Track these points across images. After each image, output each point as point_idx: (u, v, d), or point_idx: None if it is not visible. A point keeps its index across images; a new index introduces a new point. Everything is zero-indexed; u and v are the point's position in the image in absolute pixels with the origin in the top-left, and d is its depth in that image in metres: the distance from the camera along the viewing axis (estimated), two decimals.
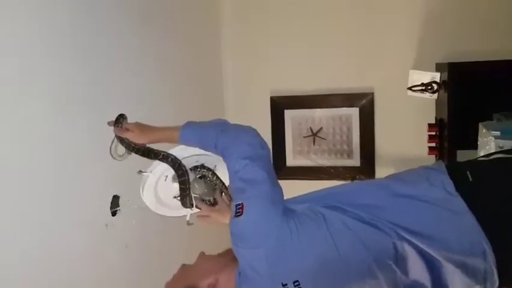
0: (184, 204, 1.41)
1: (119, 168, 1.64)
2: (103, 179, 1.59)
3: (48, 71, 1.38)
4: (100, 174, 1.58)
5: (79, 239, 1.48)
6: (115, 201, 1.62)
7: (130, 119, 1.42)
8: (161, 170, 1.41)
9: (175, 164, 1.40)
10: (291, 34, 2.64)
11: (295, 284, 1.13)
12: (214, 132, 1.29)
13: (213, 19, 2.66)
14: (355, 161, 2.66)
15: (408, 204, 1.23)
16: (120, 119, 1.42)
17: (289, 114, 2.73)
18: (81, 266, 1.48)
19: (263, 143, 1.26)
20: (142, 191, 1.40)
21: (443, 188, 1.23)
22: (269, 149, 1.27)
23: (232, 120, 2.51)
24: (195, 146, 1.35)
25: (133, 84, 1.77)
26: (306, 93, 2.66)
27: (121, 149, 1.41)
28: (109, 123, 1.41)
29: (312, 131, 2.71)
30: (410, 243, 1.17)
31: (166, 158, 1.39)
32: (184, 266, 1.28)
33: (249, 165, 1.19)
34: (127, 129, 1.39)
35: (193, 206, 1.41)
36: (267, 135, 2.50)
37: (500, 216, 1.20)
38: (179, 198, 1.42)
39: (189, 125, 1.36)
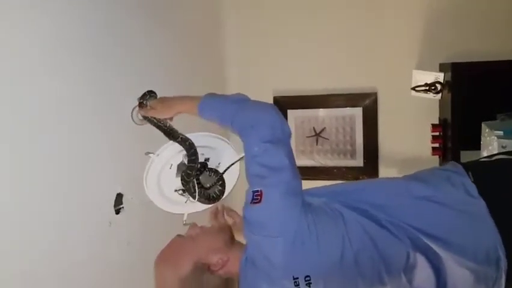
0: (189, 191, 1.41)
1: (123, 167, 1.65)
2: (107, 177, 1.60)
3: (54, 69, 1.38)
4: (104, 172, 1.58)
5: (82, 236, 1.49)
6: (119, 199, 1.62)
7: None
8: (168, 157, 1.42)
9: (191, 148, 1.40)
10: (294, 34, 2.64)
11: (306, 279, 1.11)
12: (233, 109, 1.23)
13: (215, 19, 2.67)
14: (358, 162, 2.66)
15: (428, 206, 1.20)
16: (146, 96, 1.44)
17: (292, 114, 2.73)
18: (84, 263, 1.48)
19: (285, 124, 1.19)
20: (146, 175, 1.40)
21: (465, 190, 1.22)
22: (290, 130, 1.20)
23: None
24: (212, 120, 1.29)
25: (136, 84, 1.77)
26: (309, 93, 2.66)
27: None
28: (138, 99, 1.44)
29: (315, 131, 2.71)
30: (424, 250, 1.15)
31: (184, 141, 1.40)
32: (181, 237, 1.23)
33: (269, 150, 1.13)
34: (151, 107, 1.40)
35: (195, 195, 1.41)
36: None
37: (506, 218, 1.20)
38: (180, 192, 1.43)
39: (209, 97, 1.31)
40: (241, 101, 1.27)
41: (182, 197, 1.46)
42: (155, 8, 1.98)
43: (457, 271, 1.16)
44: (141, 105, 1.45)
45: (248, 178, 1.17)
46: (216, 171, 1.47)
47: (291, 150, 1.18)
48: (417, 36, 2.47)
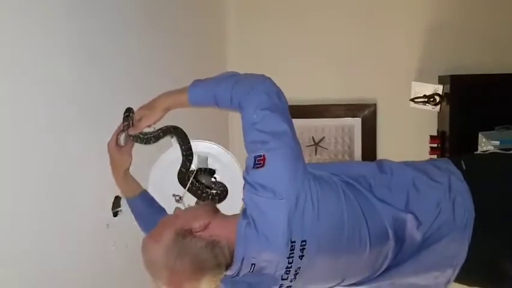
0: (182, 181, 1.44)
1: None
2: (105, 179, 1.59)
3: (49, 70, 1.38)
4: (102, 174, 1.58)
5: (79, 237, 1.49)
6: (117, 202, 1.62)
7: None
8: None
9: (186, 143, 1.41)
10: (295, 44, 2.66)
11: (302, 243, 1.13)
12: (228, 86, 1.21)
13: (217, 29, 2.69)
14: None
15: (424, 196, 1.24)
16: (129, 118, 1.38)
17: None
18: (81, 265, 1.48)
19: (280, 92, 1.20)
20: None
21: (450, 173, 1.26)
22: (286, 98, 1.21)
23: (235, 128, 2.53)
24: (206, 105, 1.28)
25: (135, 88, 1.78)
26: (309, 103, 2.67)
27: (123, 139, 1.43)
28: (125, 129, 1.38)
29: (314, 140, 2.72)
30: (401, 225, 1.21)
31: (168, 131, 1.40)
32: (165, 217, 1.24)
33: (268, 116, 1.14)
34: (137, 120, 1.35)
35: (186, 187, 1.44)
36: None
37: (489, 206, 1.23)
38: (177, 198, 1.47)
39: (197, 83, 1.28)
40: (232, 76, 1.27)
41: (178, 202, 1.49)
42: (155, 22, 1.99)
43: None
44: (127, 126, 1.39)
45: (247, 146, 1.18)
46: (209, 170, 1.49)
47: (289, 116, 1.19)
48: (416, 48, 2.50)
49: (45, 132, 1.36)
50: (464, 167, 1.27)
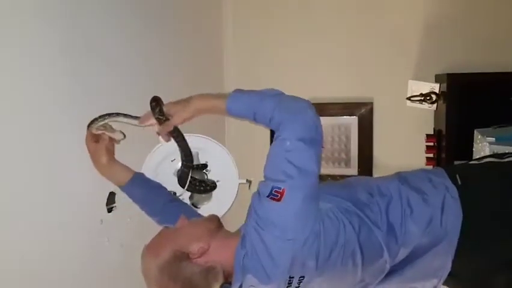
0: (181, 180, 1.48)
1: None
2: (100, 175, 1.59)
3: (43, 69, 1.37)
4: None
5: (73, 234, 1.48)
6: (111, 198, 1.61)
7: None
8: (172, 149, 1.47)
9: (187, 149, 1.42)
10: (292, 43, 2.66)
11: (300, 279, 1.15)
12: (271, 106, 1.17)
13: (215, 29, 2.68)
14: (353, 170, 2.66)
15: (416, 215, 1.24)
16: (163, 112, 1.30)
17: None
18: (75, 260, 1.47)
19: (319, 124, 1.17)
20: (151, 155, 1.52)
21: (446, 191, 1.25)
22: (322, 131, 1.18)
23: (233, 129, 2.52)
24: (242, 117, 1.24)
25: (130, 87, 1.77)
26: None
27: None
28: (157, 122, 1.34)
29: None
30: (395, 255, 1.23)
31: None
32: (167, 228, 1.24)
33: (302, 149, 1.11)
34: (166, 117, 1.31)
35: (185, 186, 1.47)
36: (266, 143, 2.52)
37: (481, 226, 1.23)
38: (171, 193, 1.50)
39: (239, 94, 1.23)
40: (276, 95, 1.22)
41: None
42: (153, 23, 1.98)
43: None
44: (163, 120, 1.32)
45: (268, 169, 1.15)
46: (202, 166, 1.53)
47: (321, 153, 1.16)
48: (413, 46, 2.49)
49: (40, 129, 1.36)
50: (459, 182, 1.26)
